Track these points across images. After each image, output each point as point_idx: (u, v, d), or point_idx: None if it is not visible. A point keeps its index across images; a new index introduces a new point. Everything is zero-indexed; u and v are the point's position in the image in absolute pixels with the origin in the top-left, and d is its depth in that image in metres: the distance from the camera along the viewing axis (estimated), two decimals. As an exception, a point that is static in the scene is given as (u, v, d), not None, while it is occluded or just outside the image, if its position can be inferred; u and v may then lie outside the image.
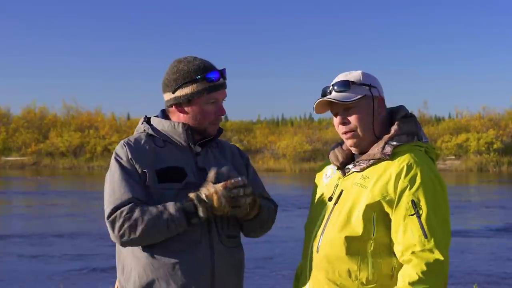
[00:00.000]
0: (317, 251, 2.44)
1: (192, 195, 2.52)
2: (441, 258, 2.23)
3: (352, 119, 2.43)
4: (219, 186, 2.50)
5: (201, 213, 2.50)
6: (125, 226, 2.49)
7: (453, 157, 46.03)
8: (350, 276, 2.34)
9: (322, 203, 2.52)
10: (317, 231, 2.47)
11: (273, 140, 52.04)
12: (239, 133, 54.29)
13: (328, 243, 2.40)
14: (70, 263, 11.11)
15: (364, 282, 2.32)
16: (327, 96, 2.45)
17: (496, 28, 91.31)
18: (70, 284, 9.28)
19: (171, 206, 2.51)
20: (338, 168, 2.52)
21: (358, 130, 2.43)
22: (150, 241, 2.54)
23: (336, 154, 2.53)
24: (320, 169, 2.68)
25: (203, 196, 2.50)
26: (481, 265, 11.14)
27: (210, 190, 2.51)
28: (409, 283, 2.21)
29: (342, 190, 2.44)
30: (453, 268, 10.74)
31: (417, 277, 2.21)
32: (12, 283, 9.71)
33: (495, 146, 46.10)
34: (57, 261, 11.38)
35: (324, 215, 2.47)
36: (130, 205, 2.51)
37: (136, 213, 2.49)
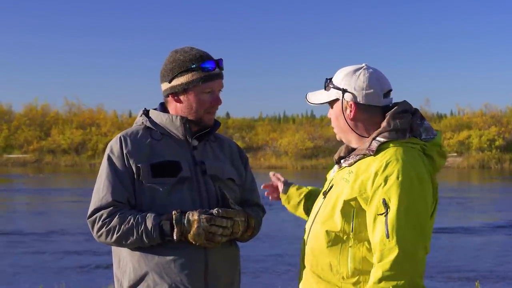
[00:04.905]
0: (306, 244, 2.48)
1: (175, 213, 2.53)
2: (403, 257, 2.19)
3: (331, 117, 2.53)
4: (204, 217, 2.52)
5: (174, 235, 2.52)
6: (103, 230, 2.57)
7: (455, 154, 46.01)
8: (331, 269, 2.35)
9: (318, 198, 2.57)
10: (309, 225, 2.51)
11: (275, 137, 52.05)
12: (241, 130, 54.28)
13: (314, 236, 2.43)
14: (72, 260, 11.12)
15: (344, 277, 2.32)
16: (310, 92, 2.57)
17: (498, 25, 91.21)
18: (72, 281, 9.29)
19: (149, 220, 2.53)
20: (336, 163, 2.55)
21: (335, 129, 2.52)
22: (126, 247, 2.61)
23: (341, 150, 2.57)
24: (331, 165, 2.70)
25: (184, 220, 2.52)
26: (484, 262, 11.13)
27: (194, 217, 2.52)
28: (373, 283, 2.20)
29: (333, 185, 2.48)
30: (455, 266, 10.74)
31: (380, 278, 2.19)
32: (14, 280, 9.72)
33: (497, 143, 46.09)
34: (59, 258, 11.40)
35: (317, 209, 2.50)
36: (110, 209, 2.57)
37: (114, 220, 2.55)
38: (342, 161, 2.49)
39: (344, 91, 2.43)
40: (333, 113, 2.50)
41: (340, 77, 2.46)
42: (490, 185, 30.34)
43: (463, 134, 47.75)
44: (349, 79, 2.44)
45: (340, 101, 2.45)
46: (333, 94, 2.47)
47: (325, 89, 2.51)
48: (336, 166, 2.57)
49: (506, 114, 51.21)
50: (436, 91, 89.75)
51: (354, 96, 2.42)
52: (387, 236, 2.21)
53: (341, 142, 2.55)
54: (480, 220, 16.47)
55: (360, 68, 2.46)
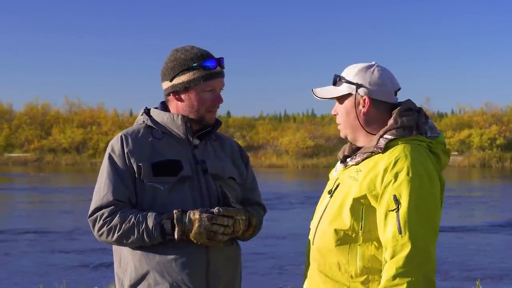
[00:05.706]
0: (313, 243, 2.47)
1: (176, 212, 2.53)
2: (416, 252, 2.19)
3: (338, 113, 2.51)
4: (205, 216, 2.51)
5: (176, 234, 2.52)
6: (104, 229, 2.57)
7: (456, 153, 46.03)
8: (339, 268, 2.34)
9: (323, 197, 2.55)
10: (315, 224, 2.50)
11: (276, 136, 52.06)
12: (242, 129, 54.29)
13: (321, 235, 2.42)
14: (73, 259, 11.13)
15: (353, 276, 2.31)
16: (318, 88, 2.54)
17: (498, 25, 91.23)
18: (73, 280, 9.29)
19: (150, 219, 2.53)
20: (342, 162, 2.54)
21: (342, 125, 2.50)
22: (127, 246, 2.61)
23: (345, 148, 2.56)
24: (333, 164, 2.70)
25: (186, 219, 2.52)
26: (485, 261, 11.13)
27: (195, 215, 2.52)
28: (387, 281, 2.20)
29: (339, 183, 2.47)
30: (456, 264, 10.74)
31: (394, 274, 2.19)
32: (14, 279, 9.73)
33: (498, 142, 46.15)
34: (60, 257, 11.41)
35: (323, 208, 2.49)
36: (111, 208, 2.57)
37: (116, 219, 2.55)
38: (348, 159, 2.48)
39: (358, 85, 2.43)
40: (343, 109, 2.48)
41: (353, 73, 2.46)
42: (491, 184, 30.35)
43: (464, 133, 47.79)
44: (363, 75, 2.44)
45: (353, 96, 2.44)
46: (345, 89, 2.46)
47: (334, 85, 2.49)
48: (339, 165, 2.56)
49: (506, 112, 51.23)
50: (437, 90, 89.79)
51: (369, 91, 2.43)
52: (400, 232, 2.21)
53: (343, 141, 2.55)
54: (481, 219, 16.48)
55: (373, 65, 2.48)
